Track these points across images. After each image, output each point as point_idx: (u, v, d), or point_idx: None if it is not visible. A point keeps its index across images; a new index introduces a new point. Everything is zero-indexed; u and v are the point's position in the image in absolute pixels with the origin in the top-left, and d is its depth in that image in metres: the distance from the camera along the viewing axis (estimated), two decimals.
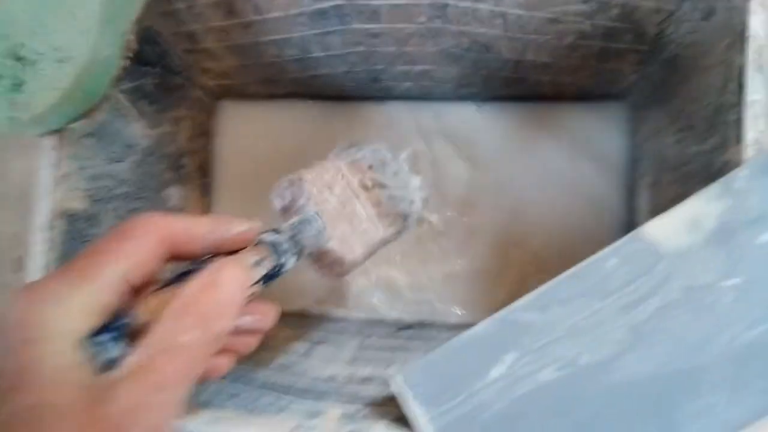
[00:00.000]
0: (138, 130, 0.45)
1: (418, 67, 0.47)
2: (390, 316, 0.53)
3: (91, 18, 0.33)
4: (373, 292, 0.54)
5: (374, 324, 0.52)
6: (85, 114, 0.36)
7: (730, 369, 0.31)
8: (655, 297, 0.32)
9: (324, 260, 0.36)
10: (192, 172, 0.52)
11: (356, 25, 0.41)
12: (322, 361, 0.43)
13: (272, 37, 0.44)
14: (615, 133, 0.52)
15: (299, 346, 0.45)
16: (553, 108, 0.52)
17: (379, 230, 0.37)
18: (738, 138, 0.33)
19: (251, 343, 0.33)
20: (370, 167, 0.38)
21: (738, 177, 0.32)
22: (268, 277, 0.30)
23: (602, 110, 0.52)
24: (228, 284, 0.25)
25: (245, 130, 0.56)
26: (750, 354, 0.31)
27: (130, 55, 0.36)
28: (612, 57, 0.44)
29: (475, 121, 0.53)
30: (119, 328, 0.24)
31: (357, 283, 0.54)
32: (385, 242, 0.38)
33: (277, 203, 0.36)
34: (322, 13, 0.41)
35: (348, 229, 0.36)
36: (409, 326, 0.51)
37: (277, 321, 0.33)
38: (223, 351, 0.31)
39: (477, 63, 0.45)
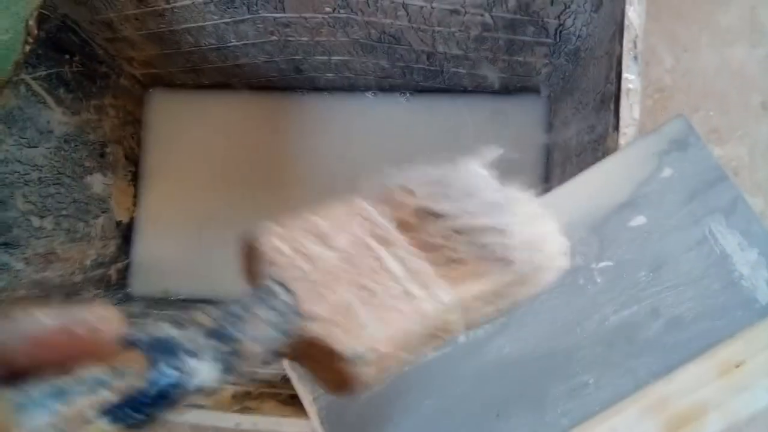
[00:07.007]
0: (55, 117, 0.45)
1: (336, 58, 0.47)
2: None
3: None
4: None
5: None
6: None
7: (599, 350, 0.32)
8: None
9: (314, 359, 0.21)
10: (118, 161, 0.53)
11: (264, 14, 0.42)
12: None
13: (186, 26, 0.44)
14: (534, 126, 0.53)
15: None
16: (475, 101, 0.53)
17: (429, 298, 0.21)
18: (615, 126, 0.34)
19: None
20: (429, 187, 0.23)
21: (610, 163, 0.33)
22: (152, 405, 0.16)
23: (521, 103, 0.53)
24: None
25: (175, 120, 0.56)
26: (618, 336, 0.32)
27: (31, 40, 0.36)
28: (521, 50, 0.45)
29: (400, 113, 0.54)
30: None
31: None
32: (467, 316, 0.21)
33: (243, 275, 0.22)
34: (230, 2, 0.41)
35: (353, 300, 0.20)
36: None
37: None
38: None
39: (391, 55, 0.46)
